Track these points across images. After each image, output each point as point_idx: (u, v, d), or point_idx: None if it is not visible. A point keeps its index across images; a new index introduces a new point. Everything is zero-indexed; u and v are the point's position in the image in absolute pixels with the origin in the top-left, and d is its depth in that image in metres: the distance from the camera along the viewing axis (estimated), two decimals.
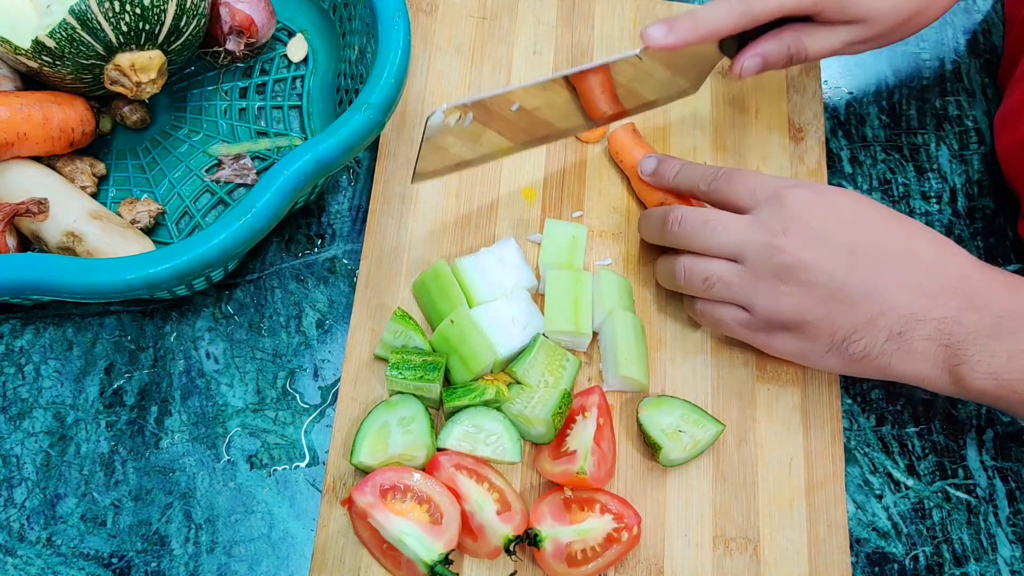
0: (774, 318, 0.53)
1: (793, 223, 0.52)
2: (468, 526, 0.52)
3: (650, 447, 0.56)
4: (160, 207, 0.60)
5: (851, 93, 0.72)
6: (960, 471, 0.60)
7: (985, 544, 0.58)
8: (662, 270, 0.59)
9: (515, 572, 0.53)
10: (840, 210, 0.53)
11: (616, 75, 0.59)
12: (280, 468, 0.56)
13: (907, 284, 0.51)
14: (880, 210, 0.54)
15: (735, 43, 0.59)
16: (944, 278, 0.51)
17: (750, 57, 0.59)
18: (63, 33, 0.54)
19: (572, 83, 0.58)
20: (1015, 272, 0.65)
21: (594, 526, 0.52)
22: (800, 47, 0.58)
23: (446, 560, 0.50)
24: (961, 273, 0.51)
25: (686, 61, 0.61)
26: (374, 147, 0.65)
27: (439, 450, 0.54)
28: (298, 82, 0.67)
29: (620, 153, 0.64)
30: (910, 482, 0.59)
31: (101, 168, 0.61)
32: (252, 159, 0.64)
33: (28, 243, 0.58)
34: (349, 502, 0.52)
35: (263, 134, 0.65)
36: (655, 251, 0.63)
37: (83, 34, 0.54)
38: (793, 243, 0.52)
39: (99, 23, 0.54)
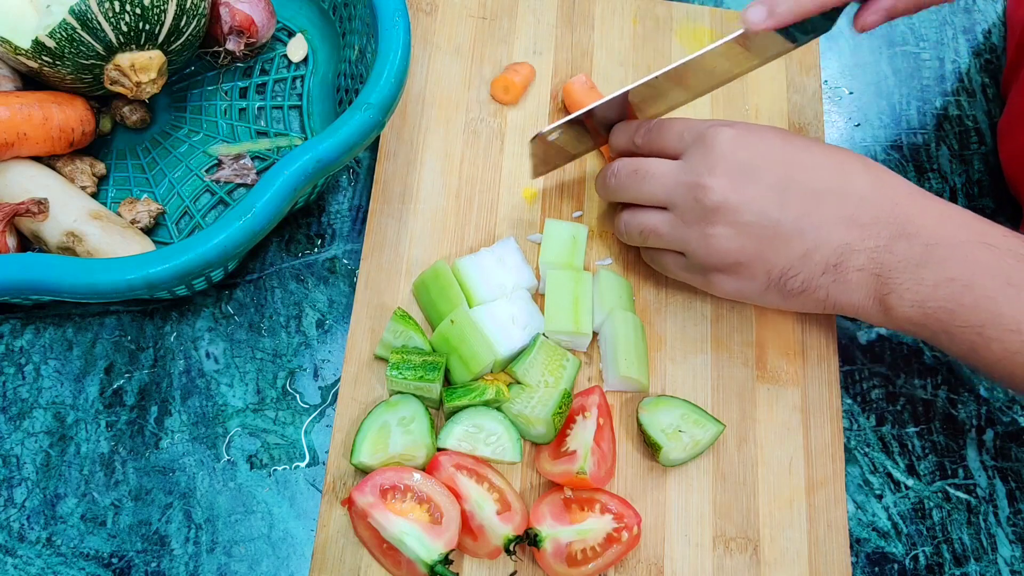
0: (707, 261, 0.53)
1: (719, 162, 0.51)
2: (468, 526, 0.52)
3: (650, 447, 0.56)
4: (160, 207, 0.60)
5: (851, 93, 0.72)
6: (960, 471, 0.60)
7: (985, 544, 0.58)
8: (616, 225, 0.60)
9: (515, 572, 0.53)
10: (769, 145, 0.52)
11: (709, 63, 0.57)
12: (280, 468, 0.56)
13: (840, 216, 0.50)
14: (811, 143, 0.53)
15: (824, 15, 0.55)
16: (877, 208, 0.50)
17: (872, 13, 0.54)
18: (63, 33, 0.54)
19: (666, 78, 0.57)
20: None
21: (594, 526, 0.52)
22: None
23: (446, 560, 0.50)
24: (895, 200, 0.50)
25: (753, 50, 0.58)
26: (374, 147, 0.65)
27: (439, 450, 0.54)
28: (298, 82, 0.67)
29: (572, 107, 0.65)
30: (910, 482, 0.59)
31: (101, 168, 0.61)
32: (252, 159, 0.64)
33: (28, 243, 0.58)
34: (349, 502, 0.52)
35: (263, 134, 0.65)
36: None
37: (83, 34, 0.54)
38: (719, 183, 0.51)
39: (99, 23, 0.54)
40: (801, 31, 0.56)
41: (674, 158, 0.55)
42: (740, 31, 0.54)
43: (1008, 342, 0.48)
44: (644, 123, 0.57)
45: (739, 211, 0.51)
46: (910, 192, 0.51)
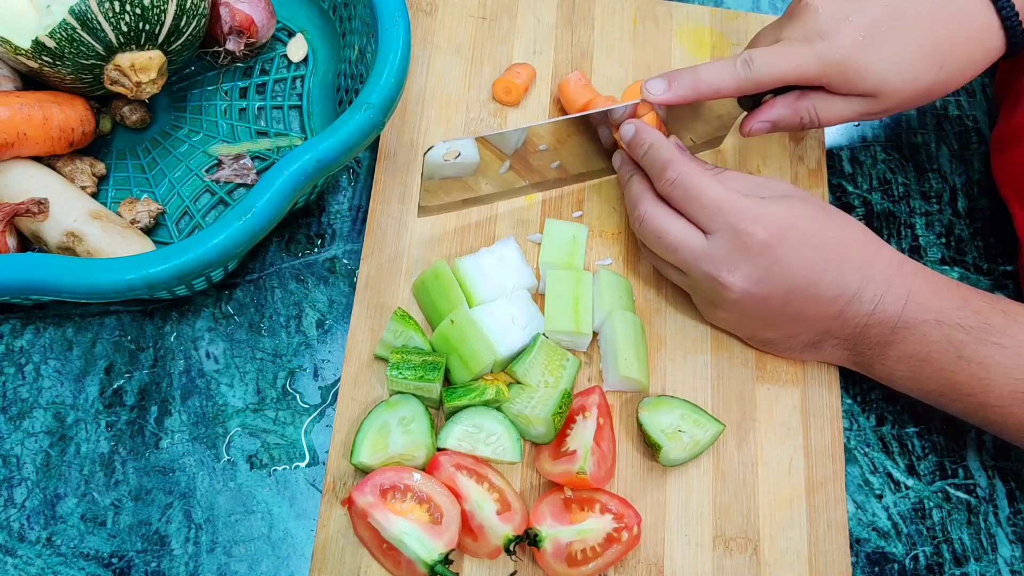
0: (705, 314, 0.60)
1: (743, 264, 0.53)
2: (468, 526, 0.52)
3: (650, 447, 0.56)
4: (160, 207, 0.60)
5: None
6: (960, 471, 0.60)
7: (985, 544, 0.58)
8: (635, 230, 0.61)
9: (515, 572, 0.53)
10: (796, 251, 0.53)
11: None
12: (280, 468, 0.56)
13: (831, 314, 0.55)
14: (827, 246, 0.54)
15: (751, 98, 0.59)
16: (861, 302, 0.54)
17: (758, 122, 0.58)
18: (63, 33, 0.54)
19: (582, 126, 0.58)
20: (1012, 272, 0.65)
21: (594, 526, 0.52)
22: (812, 114, 0.57)
23: (446, 560, 0.50)
24: (875, 291, 0.54)
25: (703, 113, 0.60)
26: (374, 147, 0.65)
27: (439, 450, 0.54)
28: (298, 82, 0.67)
29: (567, 105, 0.66)
30: (910, 482, 0.59)
31: (101, 168, 0.61)
32: (252, 159, 0.64)
33: (28, 243, 0.58)
34: (349, 502, 0.52)
35: (263, 134, 0.65)
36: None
37: (83, 34, 0.54)
38: (738, 284, 0.54)
39: (99, 23, 0.54)
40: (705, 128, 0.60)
41: (699, 226, 0.54)
42: (637, 101, 0.57)
43: (966, 404, 0.54)
44: (675, 166, 0.54)
45: (746, 306, 0.55)
46: (888, 274, 0.54)
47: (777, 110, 0.58)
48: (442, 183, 0.58)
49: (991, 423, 0.54)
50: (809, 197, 0.55)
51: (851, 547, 0.57)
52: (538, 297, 0.61)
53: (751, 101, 0.59)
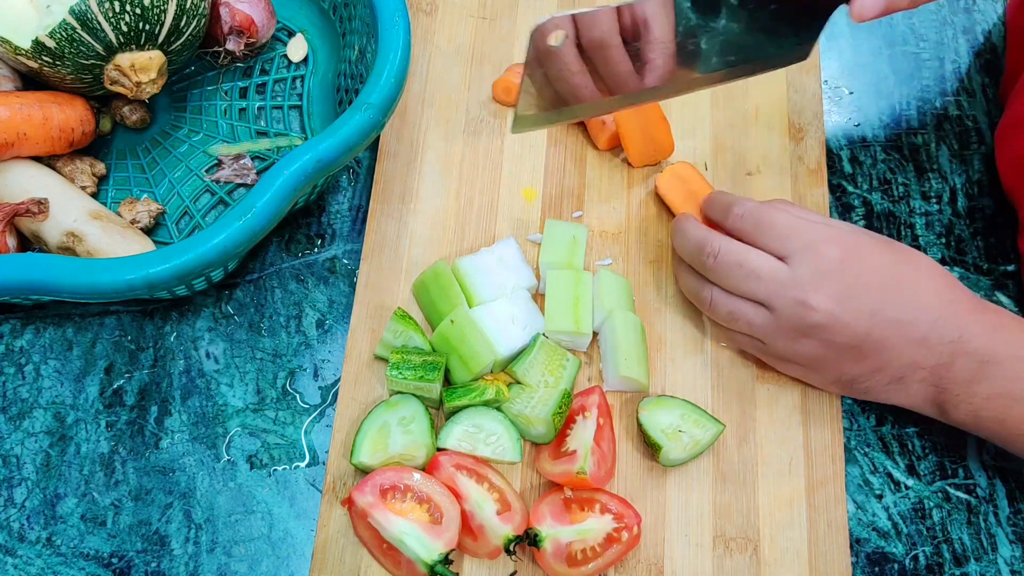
0: (786, 358, 0.57)
1: (826, 281, 0.53)
2: (468, 526, 0.52)
3: (650, 447, 0.56)
4: (160, 207, 0.60)
5: (851, 93, 0.72)
6: (960, 471, 0.60)
7: (985, 544, 0.58)
8: (688, 286, 0.59)
9: (515, 572, 0.53)
10: (873, 269, 0.53)
11: (719, 23, 0.56)
12: (280, 468, 0.56)
13: (915, 339, 0.53)
14: (900, 267, 0.54)
15: None
16: (944, 328, 0.53)
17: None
18: (63, 33, 0.54)
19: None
20: (1012, 272, 0.65)
21: (594, 526, 0.52)
22: None
23: (446, 560, 0.50)
24: (958, 316, 0.53)
25: (800, 7, 0.57)
26: (374, 147, 0.65)
27: (439, 450, 0.54)
28: (298, 82, 0.67)
29: (667, 194, 0.63)
30: (910, 482, 0.59)
31: (101, 168, 0.61)
32: (252, 159, 0.64)
33: (28, 243, 0.58)
34: (349, 502, 0.52)
35: (263, 134, 0.65)
36: (662, 250, 0.63)
37: (83, 34, 0.54)
38: (824, 304, 0.53)
39: (99, 23, 0.54)
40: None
41: (774, 254, 0.55)
42: None
43: None
44: (742, 203, 0.56)
45: (834, 332, 0.54)
46: (971, 307, 0.54)
47: None
48: (539, 82, 0.54)
49: None
50: (871, 233, 0.56)
51: (851, 547, 0.57)
52: (538, 297, 0.61)
53: None
